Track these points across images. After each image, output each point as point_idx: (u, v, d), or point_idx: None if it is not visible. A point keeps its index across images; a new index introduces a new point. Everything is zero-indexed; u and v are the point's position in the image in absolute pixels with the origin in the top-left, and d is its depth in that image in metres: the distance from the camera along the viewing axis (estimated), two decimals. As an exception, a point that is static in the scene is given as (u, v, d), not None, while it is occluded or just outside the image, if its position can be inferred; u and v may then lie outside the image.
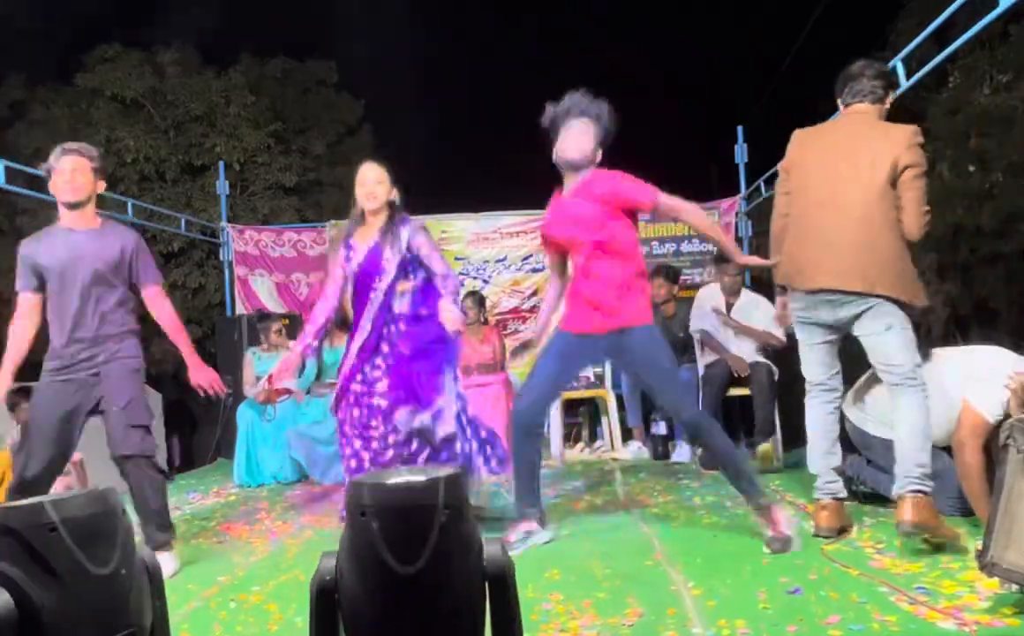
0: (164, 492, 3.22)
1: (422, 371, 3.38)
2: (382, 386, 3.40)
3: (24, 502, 1.22)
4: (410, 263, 3.46)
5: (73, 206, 3.14)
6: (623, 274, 3.03)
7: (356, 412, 3.44)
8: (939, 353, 3.44)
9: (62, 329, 3.12)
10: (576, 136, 3.09)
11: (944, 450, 3.15)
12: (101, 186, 3.23)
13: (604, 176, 3.11)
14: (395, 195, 3.51)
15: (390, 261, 3.42)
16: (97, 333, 3.12)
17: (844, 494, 3.10)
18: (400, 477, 1.26)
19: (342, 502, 3.51)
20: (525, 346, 3.52)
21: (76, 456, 4.72)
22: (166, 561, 3.05)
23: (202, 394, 3.28)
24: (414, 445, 3.34)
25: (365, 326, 3.44)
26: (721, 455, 3.04)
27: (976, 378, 3.01)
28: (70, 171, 3.11)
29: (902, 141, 2.84)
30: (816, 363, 3.15)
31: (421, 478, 1.23)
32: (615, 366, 3.47)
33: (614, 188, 3.05)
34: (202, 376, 3.27)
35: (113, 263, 3.14)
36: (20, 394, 4.05)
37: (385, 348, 3.43)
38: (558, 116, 3.13)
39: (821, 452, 3.10)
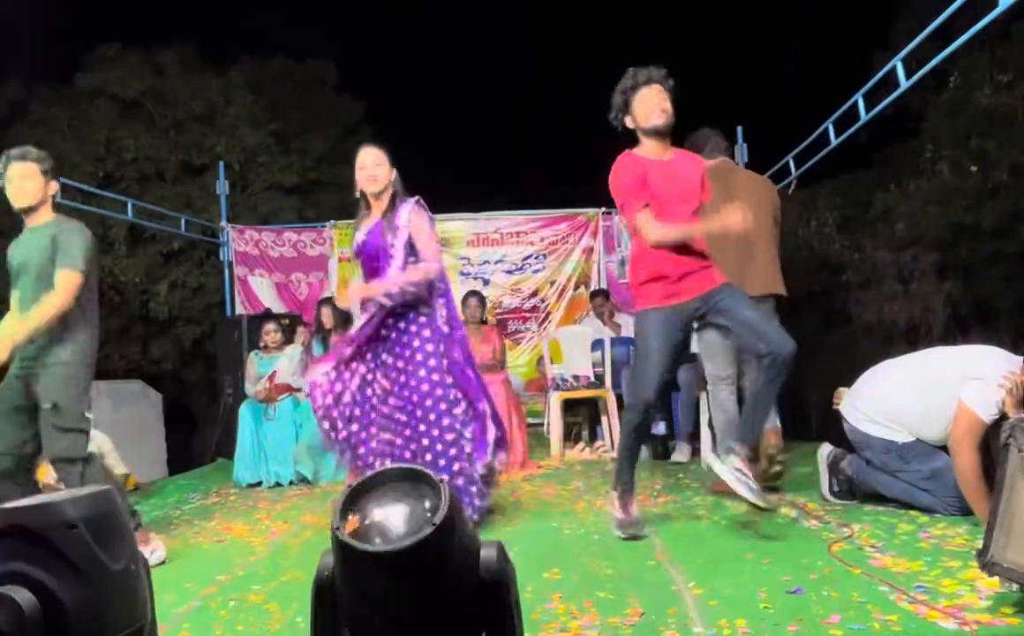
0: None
1: (433, 362, 3.39)
2: (391, 373, 3.40)
3: (36, 501, 1.23)
4: (408, 244, 3.40)
5: (24, 211, 3.19)
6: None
7: (360, 393, 3.42)
8: (935, 352, 3.45)
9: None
10: (658, 98, 3.04)
11: (942, 449, 3.16)
12: (53, 188, 3.24)
13: (693, 156, 3.25)
14: (395, 176, 3.48)
15: (395, 247, 3.37)
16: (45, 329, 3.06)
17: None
18: (387, 524, 1.24)
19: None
20: None
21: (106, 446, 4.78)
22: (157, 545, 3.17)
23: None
24: (418, 439, 3.36)
25: (370, 308, 3.39)
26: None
27: (971, 377, 3.02)
28: (17, 178, 3.16)
29: (774, 190, 3.95)
30: (725, 360, 3.92)
31: (409, 531, 1.20)
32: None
33: (703, 174, 3.21)
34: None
35: (47, 258, 3.10)
36: None
37: (392, 335, 3.41)
38: (627, 89, 3.08)
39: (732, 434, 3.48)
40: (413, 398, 3.37)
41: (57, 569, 1.15)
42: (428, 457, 3.33)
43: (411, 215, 3.42)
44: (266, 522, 4.01)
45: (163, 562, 3.18)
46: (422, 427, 3.36)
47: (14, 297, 3.22)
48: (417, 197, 3.50)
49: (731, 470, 2.97)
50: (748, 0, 13.53)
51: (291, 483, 5.19)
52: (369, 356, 3.45)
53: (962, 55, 6.49)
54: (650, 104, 3.02)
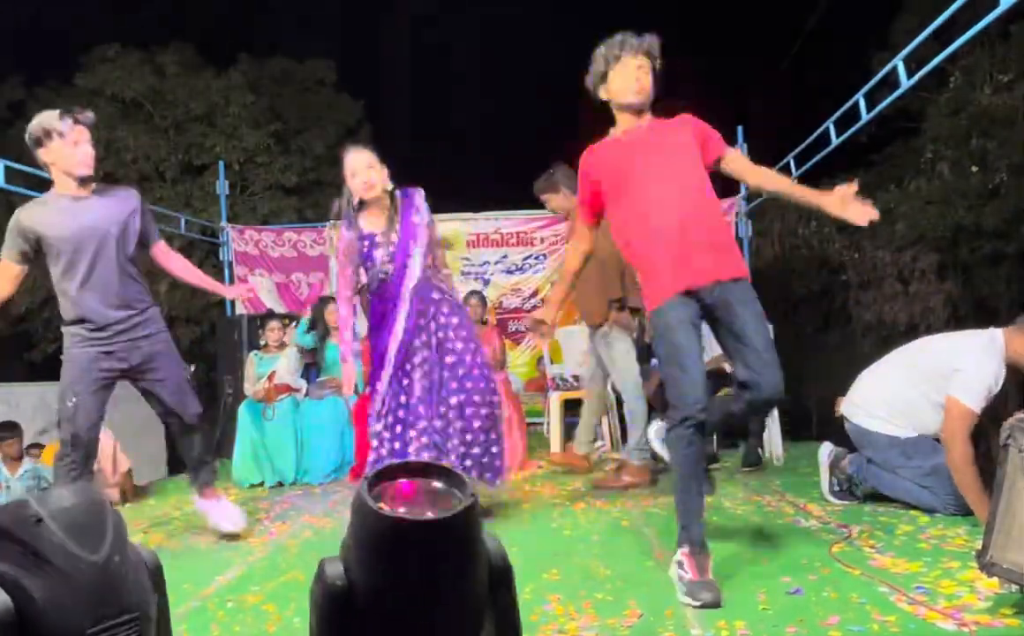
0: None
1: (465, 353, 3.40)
2: (430, 364, 3.38)
3: (8, 502, 1.24)
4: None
5: (81, 181, 3.09)
6: None
7: (404, 387, 3.39)
8: (927, 344, 3.43)
9: (91, 296, 3.08)
10: (637, 73, 2.61)
11: (937, 440, 3.17)
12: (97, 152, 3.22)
13: (672, 120, 2.70)
14: (387, 174, 3.38)
15: (419, 226, 3.38)
16: (127, 299, 3.14)
17: None
18: (422, 510, 1.24)
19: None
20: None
21: (109, 444, 4.82)
22: (224, 506, 3.45)
23: (243, 302, 3.38)
24: (453, 436, 3.36)
25: (406, 298, 3.35)
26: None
27: (956, 368, 3.05)
28: (86, 142, 3.05)
29: None
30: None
31: (446, 514, 1.20)
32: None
33: (692, 127, 2.67)
34: (235, 291, 3.71)
35: (127, 225, 3.14)
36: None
37: (432, 325, 3.37)
38: (607, 57, 2.66)
39: None
40: (445, 371, 3.37)
41: (26, 563, 1.16)
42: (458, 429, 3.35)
43: (425, 209, 3.43)
44: (265, 522, 4.00)
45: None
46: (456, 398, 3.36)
47: (17, 269, 3.12)
48: (419, 188, 3.46)
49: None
50: (749, 0, 13.53)
51: (292, 483, 5.18)
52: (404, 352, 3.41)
53: (962, 55, 6.49)
54: (627, 78, 2.62)
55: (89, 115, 3.11)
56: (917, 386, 3.22)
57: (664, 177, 2.53)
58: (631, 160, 2.60)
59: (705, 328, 2.58)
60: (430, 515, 1.20)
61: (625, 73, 2.62)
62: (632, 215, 2.59)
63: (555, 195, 4.53)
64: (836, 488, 3.52)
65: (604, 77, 2.67)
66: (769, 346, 2.50)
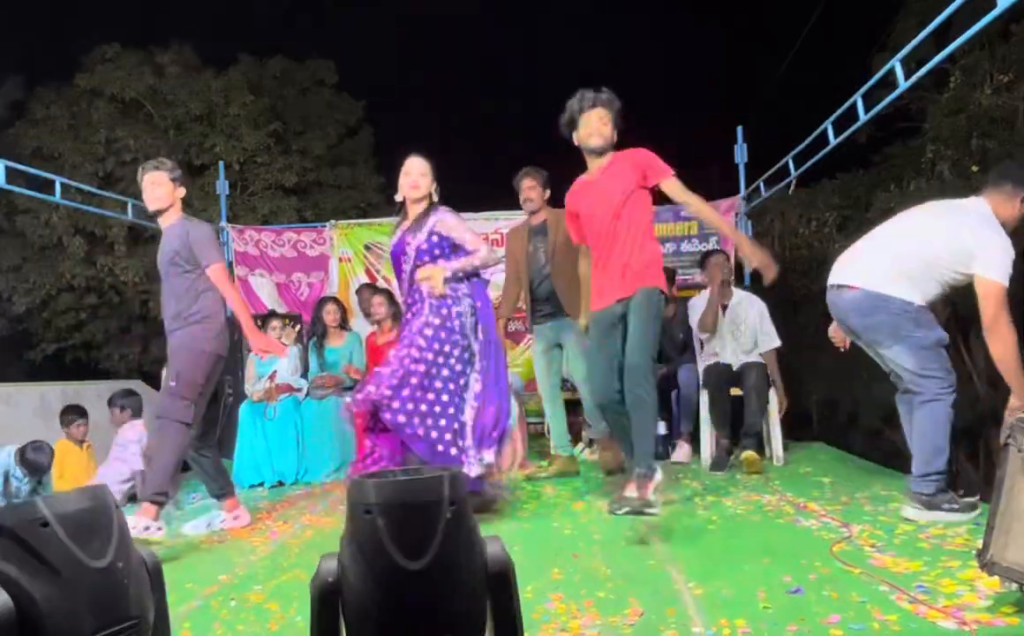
0: (178, 455, 3.54)
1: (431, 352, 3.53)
2: (396, 362, 3.54)
3: (16, 502, 1.24)
4: (439, 246, 3.62)
5: (156, 214, 3.72)
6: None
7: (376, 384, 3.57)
8: (924, 223, 3.30)
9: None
10: (597, 123, 3.33)
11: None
12: (181, 192, 3.73)
13: (624, 155, 3.37)
14: (436, 189, 3.72)
15: (410, 245, 3.64)
16: (172, 315, 3.64)
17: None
18: (403, 473, 1.28)
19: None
20: None
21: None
22: (143, 517, 3.38)
23: (263, 358, 3.90)
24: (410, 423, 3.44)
25: (403, 307, 3.78)
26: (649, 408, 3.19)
27: (974, 249, 3.05)
28: (149, 185, 3.65)
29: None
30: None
31: (425, 474, 1.25)
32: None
33: (634, 162, 3.31)
34: (259, 342, 3.99)
35: (176, 252, 3.60)
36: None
37: (414, 326, 3.59)
38: (575, 111, 3.37)
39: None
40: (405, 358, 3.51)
41: (30, 567, 1.16)
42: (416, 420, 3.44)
43: (440, 219, 3.65)
44: (267, 522, 4.01)
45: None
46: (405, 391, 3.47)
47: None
48: (449, 208, 3.73)
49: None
50: (748, 1, 13.55)
51: (293, 483, 5.19)
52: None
53: (962, 55, 6.50)
54: (590, 127, 3.33)
55: (158, 161, 3.73)
56: (933, 262, 3.17)
57: (607, 217, 3.30)
58: (591, 202, 3.37)
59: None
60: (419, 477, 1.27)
61: (589, 123, 3.33)
62: (591, 243, 3.43)
63: (540, 188, 4.67)
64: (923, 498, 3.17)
65: (574, 126, 3.39)
66: (633, 339, 3.20)
